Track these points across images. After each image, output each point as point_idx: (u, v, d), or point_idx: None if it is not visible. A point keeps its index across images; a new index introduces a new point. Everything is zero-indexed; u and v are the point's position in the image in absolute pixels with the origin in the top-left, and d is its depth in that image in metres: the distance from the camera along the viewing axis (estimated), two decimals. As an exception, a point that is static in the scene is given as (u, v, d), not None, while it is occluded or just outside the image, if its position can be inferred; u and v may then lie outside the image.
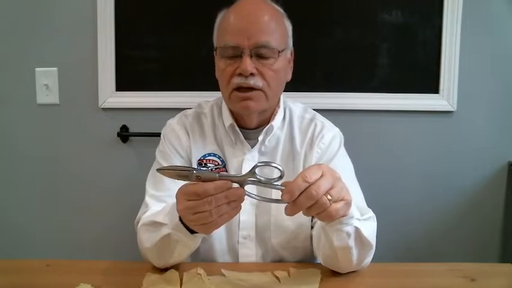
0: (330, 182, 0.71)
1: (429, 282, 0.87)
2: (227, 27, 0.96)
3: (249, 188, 0.74)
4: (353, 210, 0.79)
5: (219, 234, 0.99)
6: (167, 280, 0.84)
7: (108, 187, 1.59)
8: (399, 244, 1.53)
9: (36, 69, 1.54)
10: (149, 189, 1.00)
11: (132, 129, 1.57)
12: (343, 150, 1.05)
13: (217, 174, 0.72)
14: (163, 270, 0.88)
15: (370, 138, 1.53)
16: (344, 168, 1.00)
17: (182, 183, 0.75)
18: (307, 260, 1.00)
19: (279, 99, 1.05)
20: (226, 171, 1.02)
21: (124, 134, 1.56)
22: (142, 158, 1.53)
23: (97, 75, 1.52)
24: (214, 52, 1.00)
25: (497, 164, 1.55)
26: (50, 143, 1.58)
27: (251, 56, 0.93)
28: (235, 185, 0.72)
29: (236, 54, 0.94)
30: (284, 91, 1.05)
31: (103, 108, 1.54)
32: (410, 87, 1.51)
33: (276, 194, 0.73)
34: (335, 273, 0.87)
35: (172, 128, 1.06)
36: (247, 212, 0.98)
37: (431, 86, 1.50)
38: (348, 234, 0.79)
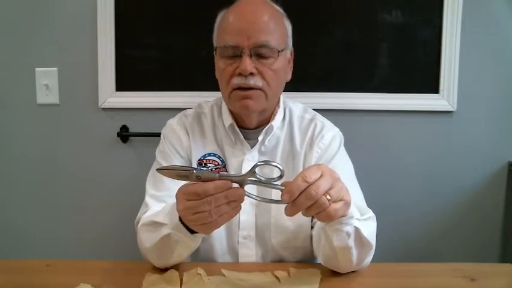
0: (330, 182, 0.71)
1: (429, 282, 0.87)
2: (227, 27, 0.96)
3: (249, 188, 0.74)
4: (353, 210, 0.79)
5: (219, 234, 0.99)
6: (167, 280, 0.84)
7: (108, 187, 1.59)
8: (399, 244, 1.53)
9: (36, 69, 1.54)
10: (149, 189, 1.00)
11: (132, 129, 1.57)
12: (343, 150, 1.05)
13: (217, 174, 0.72)
14: (163, 270, 0.88)
15: (370, 138, 1.53)
16: (344, 168, 1.01)
17: (182, 183, 0.75)
18: (307, 260, 1.00)
19: (279, 99, 1.05)
20: (226, 171, 1.02)
21: (124, 134, 1.56)
22: (142, 158, 1.53)
23: (97, 75, 1.52)
24: (214, 52, 1.00)
25: (497, 164, 1.55)
26: (50, 143, 1.58)
27: (251, 56, 0.93)
28: (235, 185, 0.72)
29: (236, 54, 0.94)
30: (284, 91, 1.05)
31: (103, 108, 1.54)
32: (410, 87, 1.51)
33: (276, 194, 0.73)
34: (335, 273, 0.87)
35: (172, 128, 1.06)
36: (247, 212, 0.98)
37: (431, 86, 1.50)
38: (348, 234, 0.80)
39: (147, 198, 0.98)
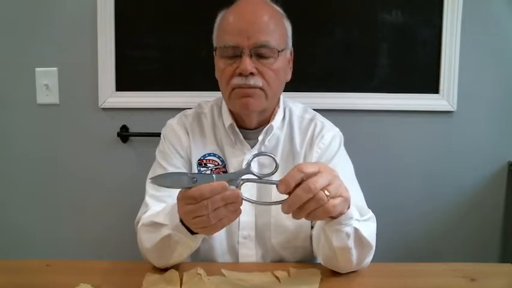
0: (328, 179, 0.71)
1: (429, 282, 0.87)
2: (226, 27, 0.96)
3: (249, 188, 0.74)
4: (352, 211, 0.79)
5: (219, 235, 0.99)
6: (167, 280, 0.84)
7: (108, 187, 1.59)
8: (399, 244, 1.53)
9: (36, 69, 1.54)
10: (149, 189, 1.00)
11: (132, 129, 1.57)
12: (343, 150, 1.05)
13: (213, 175, 0.72)
14: (163, 270, 0.88)
15: (370, 138, 1.53)
16: (344, 168, 1.01)
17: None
18: (307, 260, 1.00)
19: (279, 99, 1.05)
20: (226, 171, 1.02)
21: (124, 134, 1.56)
22: (142, 158, 1.53)
23: (97, 75, 1.52)
24: (214, 52, 1.00)
25: (497, 164, 1.55)
26: (50, 143, 1.58)
27: (251, 56, 0.93)
28: (233, 186, 0.72)
29: (236, 54, 0.94)
30: (284, 91, 1.05)
31: (103, 108, 1.54)
32: (410, 87, 1.51)
33: (275, 197, 0.73)
34: (335, 273, 0.87)
35: (172, 128, 1.06)
36: (247, 212, 0.98)
37: (431, 86, 1.50)
38: (348, 235, 0.80)
39: (147, 198, 0.98)
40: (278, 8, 1.01)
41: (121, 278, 0.87)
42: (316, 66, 1.50)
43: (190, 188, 0.71)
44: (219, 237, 0.99)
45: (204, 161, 1.03)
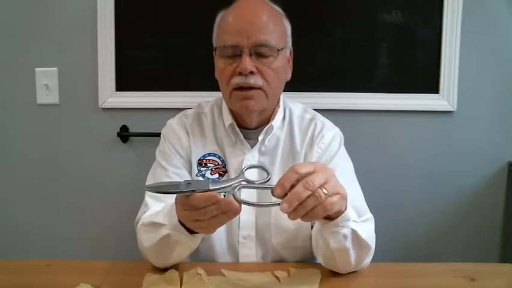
0: (324, 177, 0.71)
1: (429, 282, 0.87)
2: (226, 27, 0.96)
3: (248, 189, 0.74)
4: (349, 212, 0.79)
5: (219, 234, 0.99)
6: (167, 280, 0.84)
7: (108, 187, 1.59)
8: (399, 244, 1.53)
9: (36, 69, 1.54)
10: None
11: (132, 129, 1.57)
12: (343, 150, 1.05)
13: (209, 182, 0.71)
14: (163, 270, 0.88)
15: (370, 138, 1.53)
16: (344, 168, 1.01)
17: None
18: (307, 260, 1.00)
19: (279, 99, 1.05)
20: (227, 171, 1.02)
21: (124, 134, 1.56)
22: (142, 158, 1.53)
23: (97, 75, 1.52)
24: (214, 52, 1.00)
25: (497, 164, 1.55)
26: (50, 143, 1.58)
27: (250, 55, 0.93)
28: (231, 193, 0.72)
29: (235, 54, 0.94)
30: (284, 91, 1.05)
31: (103, 108, 1.54)
32: (410, 87, 1.51)
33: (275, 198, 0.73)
34: (334, 273, 0.87)
35: (172, 128, 1.06)
36: (247, 212, 0.98)
37: (431, 86, 1.50)
38: (345, 237, 0.80)
39: (147, 198, 0.98)
40: (277, 8, 1.02)
41: (121, 278, 0.87)
42: (316, 66, 1.50)
43: (186, 192, 0.71)
44: (219, 237, 0.99)
45: (204, 160, 1.03)
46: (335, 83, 1.51)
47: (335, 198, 0.72)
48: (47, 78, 1.54)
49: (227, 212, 0.70)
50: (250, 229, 1.00)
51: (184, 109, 1.11)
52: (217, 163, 1.02)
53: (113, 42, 1.50)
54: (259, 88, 0.95)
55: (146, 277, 0.85)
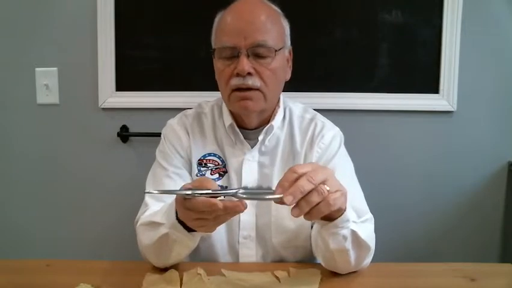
0: (324, 175, 0.71)
1: (429, 282, 0.87)
2: (224, 28, 0.96)
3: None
4: (349, 213, 0.79)
5: (219, 235, 0.99)
6: (167, 280, 0.84)
7: (108, 187, 1.59)
8: (399, 244, 1.53)
9: (36, 69, 1.54)
10: (149, 189, 1.00)
11: (132, 129, 1.57)
12: (343, 150, 1.05)
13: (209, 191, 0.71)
14: (163, 270, 0.88)
15: (370, 138, 1.53)
16: (344, 167, 1.01)
17: (182, 182, 0.75)
18: (307, 259, 0.99)
19: (279, 99, 1.05)
20: (227, 171, 1.02)
21: (124, 134, 1.56)
22: (142, 158, 1.53)
23: (97, 75, 1.52)
24: (212, 55, 1.00)
25: (497, 164, 1.55)
26: (50, 143, 1.58)
27: (248, 56, 0.93)
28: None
29: (233, 55, 0.94)
30: (284, 91, 1.05)
31: (103, 108, 1.54)
32: (410, 87, 1.51)
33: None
34: (334, 273, 0.87)
35: (172, 128, 1.06)
36: (247, 212, 0.96)
37: (431, 86, 1.50)
38: (345, 238, 0.80)
39: (147, 198, 0.98)
40: (275, 7, 1.01)
41: (121, 278, 0.87)
42: (316, 66, 1.50)
43: (187, 194, 0.71)
44: (219, 237, 0.99)
45: (204, 161, 1.03)
46: (335, 83, 1.51)
47: (336, 195, 0.72)
48: (47, 78, 1.54)
49: (230, 212, 0.71)
50: (250, 229, 1.00)
51: (184, 109, 1.11)
52: (217, 163, 1.02)
53: (113, 42, 1.50)
54: (257, 89, 0.95)
55: (146, 277, 0.85)
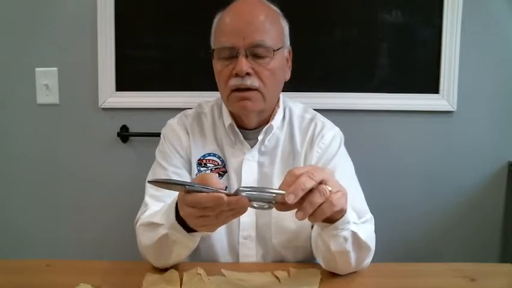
0: (324, 174, 0.71)
1: (429, 282, 0.87)
2: (223, 28, 0.96)
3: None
4: (349, 215, 0.79)
5: (219, 235, 0.99)
6: (167, 280, 0.84)
7: (108, 187, 1.59)
8: (399, 244, 1.53)
9: (36, 69, 1.54)
10: (149, 189, 1.00)
11: (132, 129, 1.57)
12: (343, 150, 1.05)
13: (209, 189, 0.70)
14: (163, 270, 0.88)
15: (370, 138, 1.53)
16: (344, 167, 1.01)
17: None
18: (308, 260, 0.99)
19: (279, 99, 1.05)
20: (226, 171, 1.02)
21: (124, 134, 1.56)
22: (142, 158, 1.53)
23: (97, 75, 1.52)
24: (211, 55, 1.00)
25: (497, 164, 1.55)
26: (50, 143, 1.58)
27: (246, 56, 0.93)
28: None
29: (232, 55, 0.94)
30: (284, 91, 1.05)
31: (103, 108, 1.54)
32: (410, 87, 1.51)
33: None
34: (334, 274, 0.87)
35: (172, 128, 1.06)
36: (247, 212, 0.97)
37: (431, 86, 1.50)
38: (345, 239, 0.80)
39: (147, 198, 0.98)
40: (274, 7, 1.01)
41: (121, 278, 0.87)
42: (316, 66, 1.50)
43: (190, 188, 0.71)
44: (219, 238, 0.99)
45: (204, 161, 1.03)
46: (335, 83, 1.51)
47: (338, 195, 0.73)
48: (47, 78, 1.54)
49: (234, 209, 0.70)
50: (250, 229, 0.99)
51: (184, 109, 1.11)
52: (217, 163, 1.03)
53: (113, 42, 1.50)
54: (256, 89, 0.95)
55: (146, 277, 0.85)
